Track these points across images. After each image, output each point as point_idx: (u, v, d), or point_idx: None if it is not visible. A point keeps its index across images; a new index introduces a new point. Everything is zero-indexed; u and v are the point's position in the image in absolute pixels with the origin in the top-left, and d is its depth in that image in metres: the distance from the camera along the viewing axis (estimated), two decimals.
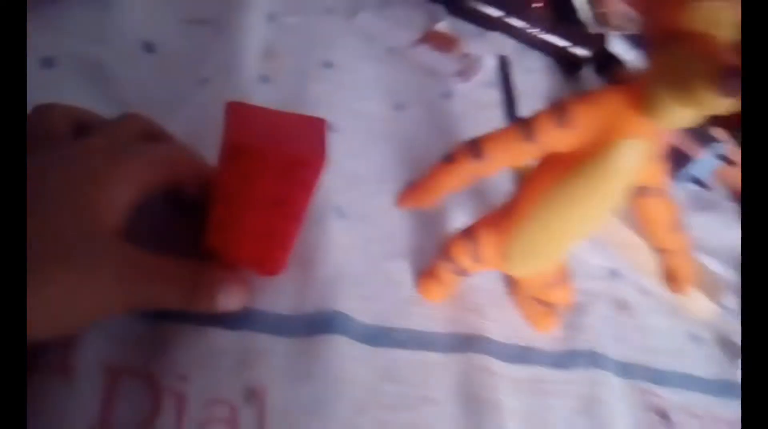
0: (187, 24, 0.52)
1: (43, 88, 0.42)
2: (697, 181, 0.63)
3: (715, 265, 0.58)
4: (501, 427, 0.38)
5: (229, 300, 0.34)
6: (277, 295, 0.38)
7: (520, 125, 0.33)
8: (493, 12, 0.68)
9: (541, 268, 0.38)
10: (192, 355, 0.34)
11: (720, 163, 0.63)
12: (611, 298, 0.50)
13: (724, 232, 0.61)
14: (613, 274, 0.52)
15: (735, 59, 0.25)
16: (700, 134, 0.63)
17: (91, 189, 0.29)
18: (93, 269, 0.28)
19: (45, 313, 0.26)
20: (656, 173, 0.34)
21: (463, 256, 0.39)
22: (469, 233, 0.39)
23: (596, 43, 0.70)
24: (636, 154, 0.31)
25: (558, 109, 0.31)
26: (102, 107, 0.37)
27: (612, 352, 0.46)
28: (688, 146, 0.62)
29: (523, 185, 0.36)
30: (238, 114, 0.31)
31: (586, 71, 0.69)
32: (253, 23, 0.54)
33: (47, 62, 0.44)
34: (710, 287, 0.53)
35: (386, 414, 0.37)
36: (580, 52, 0.69)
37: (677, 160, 0.63)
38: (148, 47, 0.49)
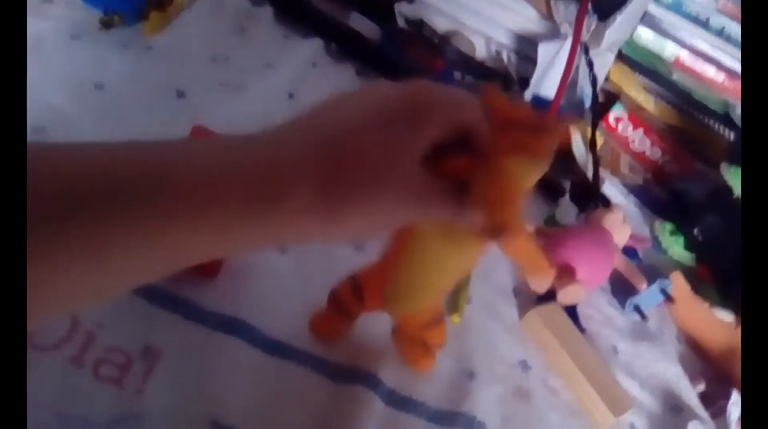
0: (216, 84, 0.65)
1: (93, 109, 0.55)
2: (640, 312, 0.67)
3: (635, 390, 0.61)
4: None
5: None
6: (203, 291, 0.47)
7: None
8: None
9: (418, 307, 0.44)
10: (111, 309, 0.42)
11: (662, 298, 0.67)
12: (513, 384, 0.55)
13: (654, 362, 0.65)
14: (523, 365, 0.57)
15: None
16: (652, 270, 0.68)
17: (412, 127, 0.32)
18: (399, 194, 0.32)
19: (350, 228, 0.31)
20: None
21: (347, 295, 0.46)
22: (353, 277, 0.46)
23: (579, 176, 0.78)
24: None
25: None
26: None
27: (494, 426, 0.50)
28: (635, 279, 0.67)
29: (399, 233, 0.42)
30: None
31: (564, 199, 0.76)
32: (272, 97, 0.66)
33: (99, 86, 0.57)
34: (617, 403, 0.57)
35: (254, 406, 0.43)
36: (564, 181, 0.77)
37: (626, 289, 0.68)
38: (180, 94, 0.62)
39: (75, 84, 0.57)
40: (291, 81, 0.71)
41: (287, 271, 0.51)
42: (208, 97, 0.63)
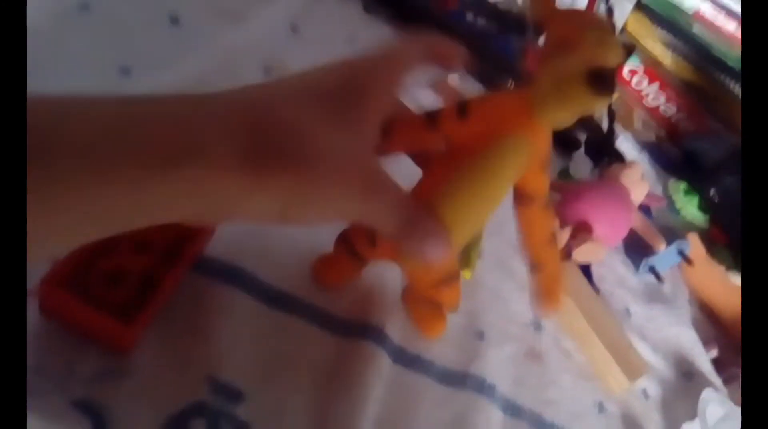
0: (212, 11, 0.59)
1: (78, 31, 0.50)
2: (655, 273, 0.64)
3: (648, 354, 0.58)
4: (355, 406, 0.40)
5: (434, 253, 0.33)
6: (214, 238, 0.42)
7: (427, 114, 0.37)
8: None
9: None
10: None
11: (679, 259, 0.64)
12: (525, 344, 0.52)
13: (667, 326, 0.62)
14: (536, 325, 0.54)
15: (607, 65, 0.30)
16: (668, 230, 0.65)
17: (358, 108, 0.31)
18: (345, 184, 0.29)
19: (279, 198, 0.28)
20: (541, 183, 0.37)
21: (360, 239, 0.41)
22: None
23: (594, 129, 0.74)
24: (521, 150, 0.34)
25: (460, 104, 0.36)
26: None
27: (505, 388, 0.48)
28: (653, 238, 0.63)
29: (423, 176, 0.39)
30: None
31: (579, 153, 0.72)
32: (273, 29, 0.61)
33: (84, 6, 0.52)
34: (632, 368, 0.54)
35: (254, 361, 0.39)
36: (579, 134, 0.73)
37: (640, 249, 0.64)
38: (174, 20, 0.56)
39: (56, 2, 0.52)
40: (294, 13, 0.65)
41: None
42: (204, 24, 0.58)
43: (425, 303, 0.44)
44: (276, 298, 0.42)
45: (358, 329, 0.44)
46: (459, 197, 0.35)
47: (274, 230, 0.45)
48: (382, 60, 0.34)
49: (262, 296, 0.42)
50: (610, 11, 0.86)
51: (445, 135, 0.36)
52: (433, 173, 0.38)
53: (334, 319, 0.44)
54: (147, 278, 0.37)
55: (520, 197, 0.38)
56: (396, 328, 0.45)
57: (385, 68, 0.33)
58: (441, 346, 0.47)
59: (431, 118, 0.37)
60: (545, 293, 0.42)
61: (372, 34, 0.70)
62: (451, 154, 0.37)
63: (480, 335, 0.49)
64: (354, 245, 0.42)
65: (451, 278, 0.42)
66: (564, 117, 0.33)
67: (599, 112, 0.79)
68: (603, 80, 0.29)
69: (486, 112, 0.35)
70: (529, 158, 0.35)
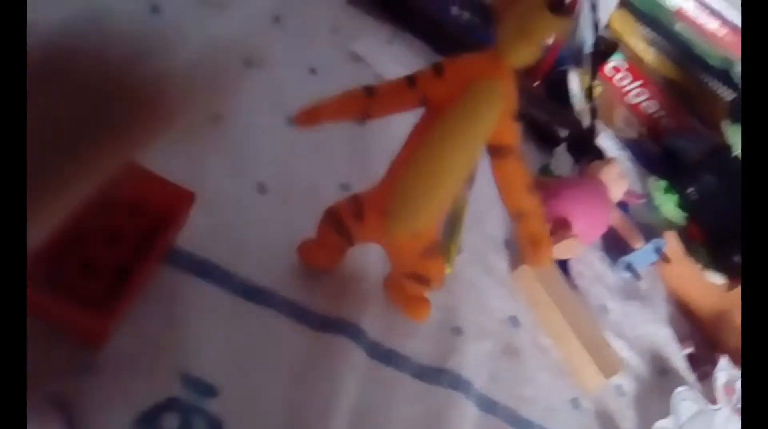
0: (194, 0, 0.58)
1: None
2: (633, 271, 0.64)
3: (623, 351, 0.59)
4: (329, 401, 0.40)
5: None
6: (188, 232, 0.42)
7: (407, 76, 0.40)
8: None
9: (420, 224, 0.39)
10: None
11: (657, 257, 0.64)
12: (502, 341, 0.52)
13: (643, 324, 0.63)
14: (513, 321, 0.54)
15: None
16: (646, 228, 0.65)
17: None
18: None
19: None
20: (513, 131, 0.40)
21: (346, 212, 0.42)
22: (354, 195, 0.43)
23: (576, 126, 0.74)
24: (492, 93, 0.37)
25: (436, 64, 0.39)
26: None
27: (481, 385, 0.48)
28: (631, 236, 0.64)
29: (402, 147, 0.41)
30: None
31: (560, 149, 0.72)
32: (255, 19, 0.60)
33: None
34: (608, 365, 0.54)
35: (227, 356, 0.39)
36: (561, 131, 0.73)
37: (617, 246, 0.65)
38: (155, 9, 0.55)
39: None
40: (276, 3, 0.64)
41: (267, 212, 0.47)
42: (185, 14, 0.57)
43: (409, 286, 0.45)
44: (251, 293, 0.42)
45: (333, 324, 0.44)
46: (439, 146, 0.37)
47: (250, 224, 0.45)
48: None
49: (237, 291, 0.42)
50: (593, 7, 0.86)
51: (424, 94, 0.39)
52: (414, 134, 0.40)
53: (310, 313, 0.44)
54: (121, 270, 0.36)
55: (496, 151, 0.40)
56: (372, 323, 0.45)
57: None
58: (417, 342, 0.47)
59: (411, 79, 0.40)
60: (535, 241, 0.42)
61: (355, 25, 0.70)
62: (429, 115, 0.40)
63: (457, 331, 0.49)
64: (341, 219, 0.42)
65: (434, 247, 0.43)
66: (530, 50, 0.36)
67: (580, 107, 0.79)
68: (561, 3, 0.34)
69: (459, 67, 0.39)
70: (501, 102, 0.37)
